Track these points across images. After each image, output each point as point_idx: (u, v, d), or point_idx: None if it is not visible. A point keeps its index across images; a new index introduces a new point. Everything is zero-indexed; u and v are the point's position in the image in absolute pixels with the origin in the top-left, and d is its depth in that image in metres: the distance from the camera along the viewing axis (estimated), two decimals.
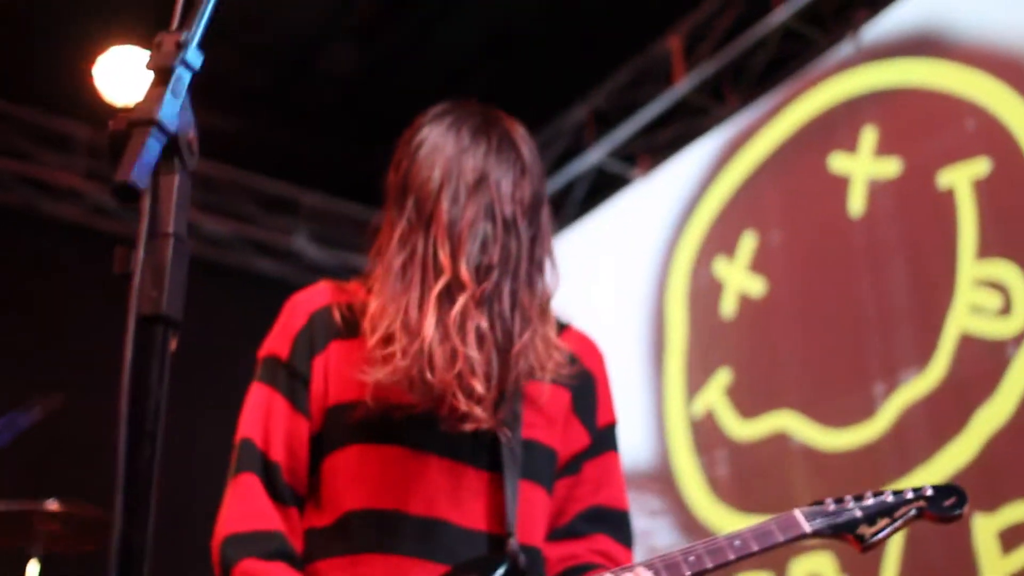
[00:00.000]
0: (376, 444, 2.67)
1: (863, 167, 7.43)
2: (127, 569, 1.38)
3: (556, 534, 2.81)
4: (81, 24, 8.53)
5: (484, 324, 2.64)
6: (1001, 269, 6.57)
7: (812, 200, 7.80)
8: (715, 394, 8.03)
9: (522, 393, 2.72)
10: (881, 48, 7.60)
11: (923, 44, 7.33)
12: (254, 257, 10.73)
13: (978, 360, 6.55)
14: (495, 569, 2.58)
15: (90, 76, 8.55)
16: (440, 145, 2.76)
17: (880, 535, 2.58)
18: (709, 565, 2.51)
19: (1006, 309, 6.49)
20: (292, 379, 2.74)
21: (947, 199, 6.89)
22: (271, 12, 8.74)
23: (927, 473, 6.48)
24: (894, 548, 6.64)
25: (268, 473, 2.70)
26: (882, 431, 6.92)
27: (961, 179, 6.85)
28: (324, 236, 10.76)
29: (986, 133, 6.82)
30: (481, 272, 2.67)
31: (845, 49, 7.83)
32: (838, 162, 7.61)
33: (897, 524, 2.59)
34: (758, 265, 8.00)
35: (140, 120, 1.51)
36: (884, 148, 7.36)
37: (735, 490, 7.75)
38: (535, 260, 2.75)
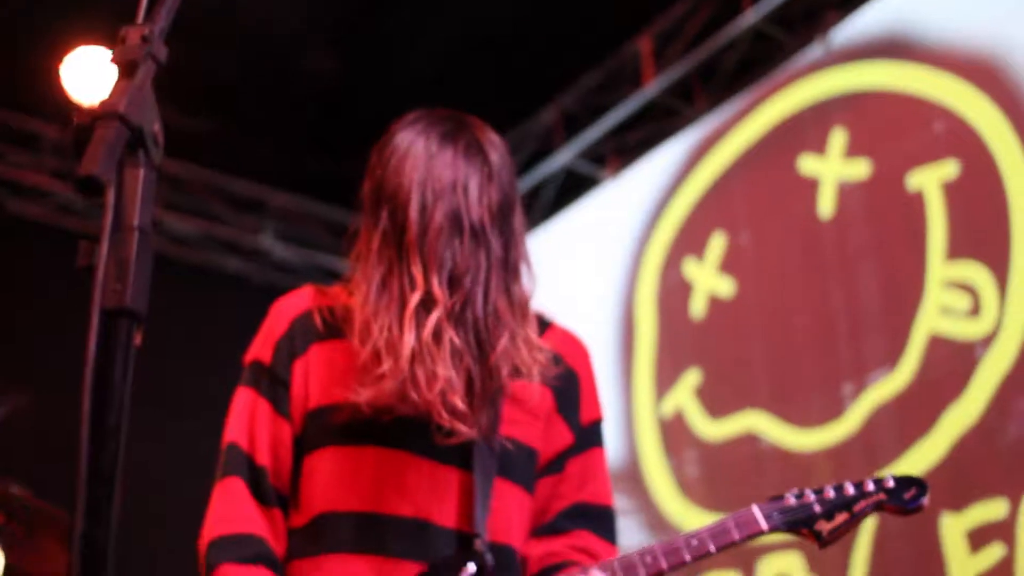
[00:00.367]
0: (351, 446, 2.69)
1: (832, 169, 7.45)
2: (90, 567, 1.36)
3: (539, 531, 2.81)
4: (48, 23, 8.48)
5: (458, 340, 2.64)
6: (970, 270, 6.59)
7: (781, 202, 7.80)
8: (684, 394, 8.03)
9: (505, 391, 2.72)
10: (850, 50, 7.61)
11: (892, 47, 7.35)
12: (222, 256, 10.69)
13: (947, 361, 6.57)
14: (460, 570, 2.58)
15: (57, 75, 8.48)
16: (410, 153, 2.76)
17: (837, 531, 2.57)
18: (664, 566, 2.52)
19: (975, 310, 6.51)
20: (274, 384, 2.78)
21: (916, 201, 6.91)
22: (242, 10, 8.70)
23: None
24: (863, 547, 6.66)
25: (254, 476, 2.73)
26: (851, 431, 6.93)
27: (930, 181, 6.87)
28: (292, 235, 10.73)
29: (954, 135, 6.84)
30: (453, 284, 2.67)
31: (814, 51, 7.85)
32: (807, 164, 7.62)
33: (855, 519, 2.57)
34: (727, 266, 8.01)
35: (104, 113, 1.49)
36: (853, 150, 7.38)
37: (704, 490, 7.75)
38: (509, 265, 2.75)
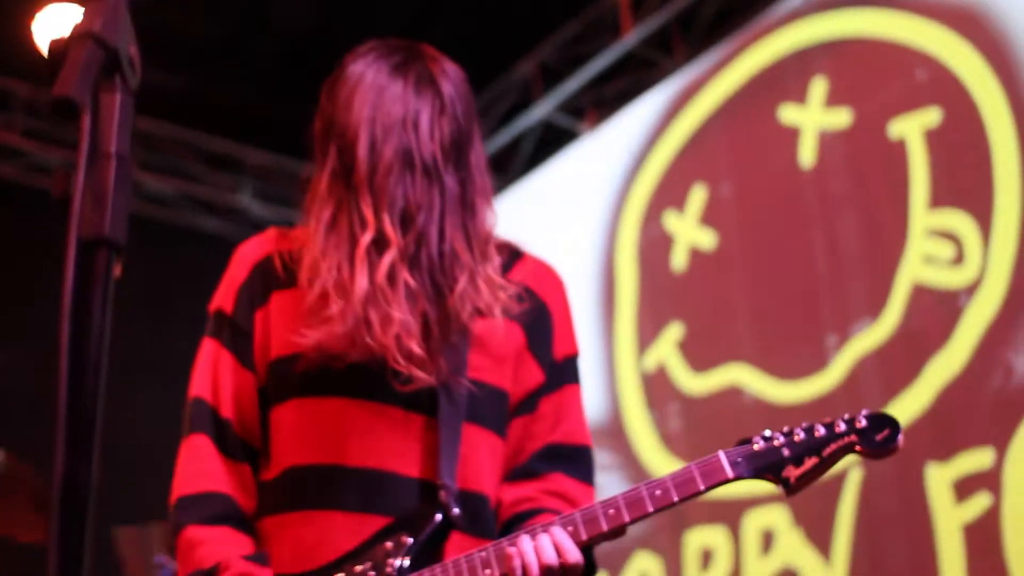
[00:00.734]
0: (314, 397, 2.62)
1: (813, 118, 7.39)
2: (71, 505, 1.30)
3: (512, 475, 2.72)
4: None
5: (413, 282, 2.56)
6: (953, 219, 6.55)
7: (762, 152, 7.75)
8: (666, 348, 7.99)
9: (470, 333, 2.63)
10: None
11: None
12: (199, 215, 10.60)
13: (930, 310, 6.54)
14: (425, 525, 2.52)
15: (29, 32, 8.37)
16: (359, 88, 2.67)
17: (805, 477, 2.43)
18: (627, 519, 2.42)
19: (959, 259, 6.47)
20: (236, 334, 2.70)
21: (898, 149, 6.86)
22: None
23: None
24: (848, 499, 6.63)
25: (219, 431, 2.67)
26: (835, 383, 6.90)
27: (912, 129, 6.82)
28: (269, 193, 10.64)
29: (937, 83, 6.78)
30: (406, 223, 2.59)
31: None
32: (788, 113, 7.56)
33: (825, 463, 2.43)
34: (708, 218, 7.95)
35: (80, 33, 1.42)
36: (834, 99, 7.32)
37: (687, 443, 7.72)
38: (466, 200, 2.66)
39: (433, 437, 2.58)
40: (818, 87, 7.40)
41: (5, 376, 8.38)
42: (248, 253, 2.79)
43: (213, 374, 2.69)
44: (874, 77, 7.17)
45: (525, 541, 2.42)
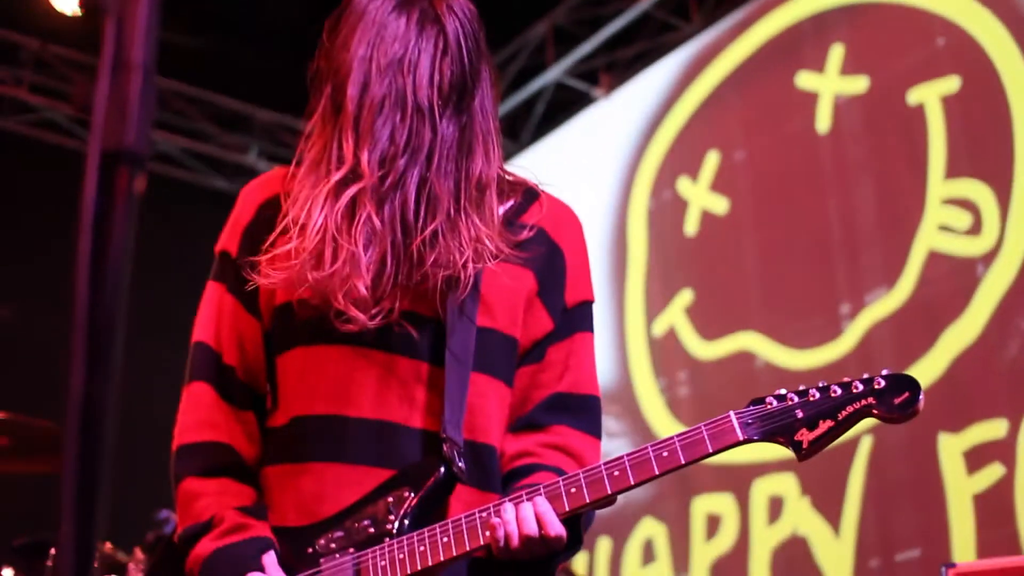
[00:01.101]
0: (319, 345, 2.52)
1: (830, 84, 7.32)
2: (88, 424, 1.24)
3: (516, 425, 2.61)
4: None
5: (377, 219, 2.44)
6: (971, 188, 6.49)
7: (777, 118, 7.68)
8: (676, 314, 7.94)
9: (477, 279, 2.55)
10: None
11: None
12: (208, 174, 10.55)
13: (947, 279, 6.48)
14: (428, 480, 2.45)
15: None
16: (360, 25, 2.54)
17: (819, 442, 2.29)
18: (632, 481, 2.33)
19: (976, 228, 6.41)
20: (241, 278, 2.59)
21: (917, 116, 6.79)
22: None
23: None
24: (859, 468, 6.59)
25: (222, 377, 2.59)
26: (847, 351, 6.85)
27: (931, 96, 6.75)
28: (278, 154, 10.58)
29: (958, 50, 6.71)
30: (386, 162, 2.46)
31: None
32: (804, 80, 7.49)
33: (840, 427, 2.29)
34: (722, 184, 7.89)
35: None
36: (852, 66, 7.25)
37: (696, 410, 7.67)
38: (464, 144, 2.53)
39: (439, 386, 2.50)
40: (836, 54, 7.33)
41: (12, 330, 8.33)
42: (254, 193, 2.68)
43: (217, 319, 2.60)
44: (893, 43, 7.10)
45: (507, 510, 2.37)
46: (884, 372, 2.34)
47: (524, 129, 9.74)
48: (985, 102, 6.53)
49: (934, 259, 6.55)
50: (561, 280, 2.67)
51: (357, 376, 2.50)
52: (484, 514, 2.38)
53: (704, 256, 7.97)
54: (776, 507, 7.01)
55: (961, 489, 6.12)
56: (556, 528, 2.35)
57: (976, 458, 6.10)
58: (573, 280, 2.69)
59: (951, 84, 6.67)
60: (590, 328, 2.72)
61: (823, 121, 7.30)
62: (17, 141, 9.72)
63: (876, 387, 2.31)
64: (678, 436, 2.33)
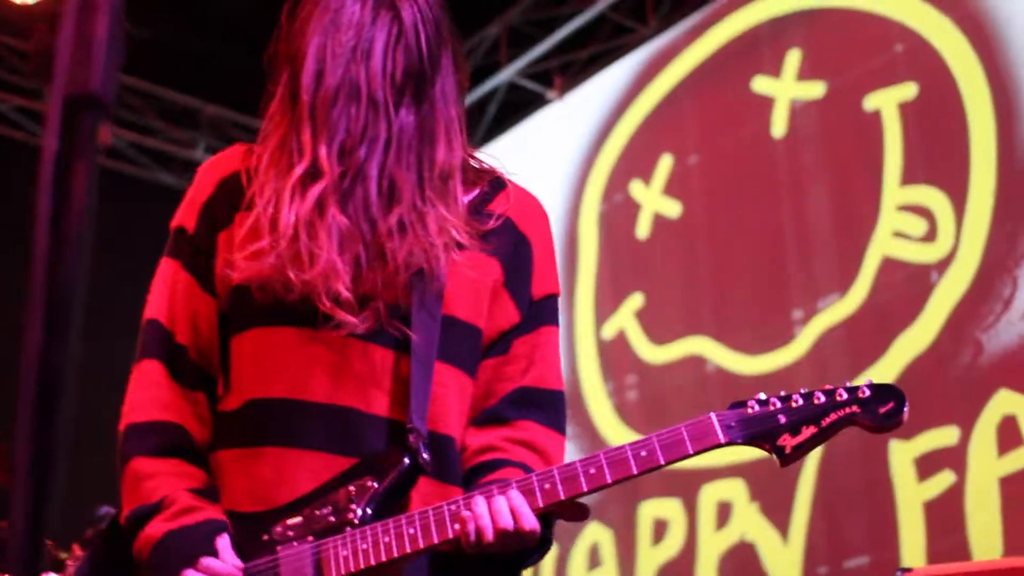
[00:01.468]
0: (277, 327, 2.44)
1: (787, 90, 7.30)
2: (46, 388, 1.16)
3: (480, 419, 2.55)
4: None
5: (343, 218, 2.39)
6: (926, 195, 6.48)
7: (732, 122, 7.65)
8: (627, 318, 7.89)
9: (439, 268, 2.48)
10: None
11: None
12: (154, 169, 10.42)
13: (900, 286, 6.47)
14: (392, 470, 2.37)
15: None
16: (317, 8, 2.49)
17: (802, 448, 2.26)
18: (609, 480, 2.28)
19: (931, 235, 6.40)
20: (197, 254, 2.52)
21: (873, 122, 6.78)
22: None
23: None
24: (809, 474, 6.57)
25: (173, 357, 2.51)
26: (800, 355, 6.82)
27: (888, 102, 6.73)
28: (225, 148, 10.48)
29: (916, 57, 6.70)
30: (345, 156, 2.42)
31: None
32: (761, 84, 7.46)
33: (824, 433, 2.26)
34: (675, 188, 7.85)
35: None
36: (809, 71, 7.23)
37: (645, 415, 7.62)
38: (424, 133, 2.47)
39: (404, 375, 2.43)
40: (793, 58, 7.31)
41: None
42: (213, 169, 2.60)
43: (170, 296, 2.52)
44: (851, 49, 7.09)
45: (479, 503, 2.30)
46: (868, 382, 2.30)
47: (477, 129, 9.67)
48: (942, 109, 6.53)
49: (888, 265, 6.54)
50: (528, 272, 2.62)
51: (318, 360, 2.43)
52: (453, 507, 2.32)
53: (656, 260, 7.93)
54: (724, 513, 6.98)
55: (912, 496, 6.10)
56: (530, 522, 2.29)
57: (927, 465, 6.09)
58: (540, 272, 2.64)
59: (908, 91, 6.66)
60: (556, 322, 2.68)
61: (779, 126, 7.28)
62: None
63: (861, 396, 2.28)
64: (657, 436, 2.29)
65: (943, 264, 6.30)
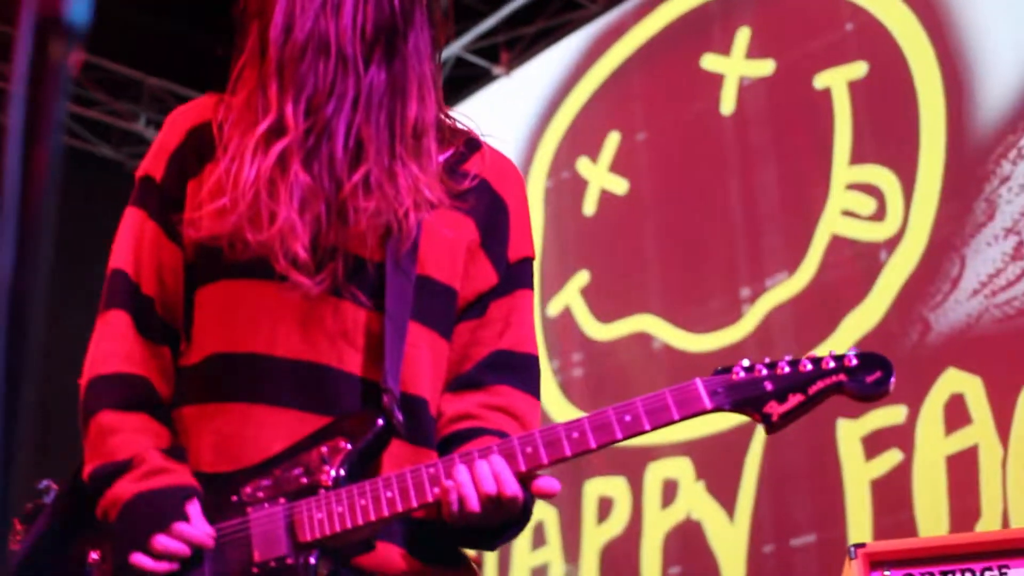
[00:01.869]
0: (246, 280, 2.38)
1: (736, 67, 7.28)
2: (16, 318, 1.10)
3: (456, 384, 2.50)
4: None
5: (306, 176, 2.34)
6: (876, 173, 6.48)
7: (681, 99, 7.63)
8: (572, 295, 7.85)
9: (409, 226, 2.42)
10: None
11: None
12: (94, 141, 10.28)
13: (849, 264, 6.47)
14: (366, 431, 2.31)
15: None
16: None
17: (789, 416, 2.22)
18: (593, 444, 2.23)
19: (879, 214, 6.40)
20: (164, 204, 2.46)
21: (823, 100, 6.77)
22: None
23: None
24: (755, 453, 6.56)
25: (139, 308, 2.44)
26: (747, 333, 6.81)
27: (838, 81, 6.73)
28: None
29: (865, 36, 6.70)
30: (312, 111, 2.37)
31: None
32: (710, 62, 7.44)
33: (811, 401, 2.23)
34: (622, 165, 7.82)
35: None
36: (758, 49, 7.21)
37: (590, 392, 7.59)
38: (395, 90, 2.41)
39: (377, 334, 2.38)
40: (742, 36, 7.29)
41: None
42: (182, 118, 2.53)
43: (136, 246, 2.46)
44: (801, 28, 7.08)
45: (461, 471, 2.24)
46: (854, 350, 2.30)
47: None
48: (892, 88, 6.53)
49: (837, 244, 6.53)
50: (504, 234, 2.57)
51: (288, 316, 2.37)
52: (431, 469, 2.26)
53: (602, 237, 7.89)
54: (670, 491, 6.96)
55: (858, 474, 6.11)
56: (512, 487, 2.23)
57: (874, 444, 6.10)
58: (516, 235, 2.59)
59: (858, 69, 6.66)
60: (531, 286, 2.63)
61: (727, 104, 7.26)
62: None
63: (848, 365, 2.27)
64: (641, 400, 2.24)
65: (891, 243, 6.31)
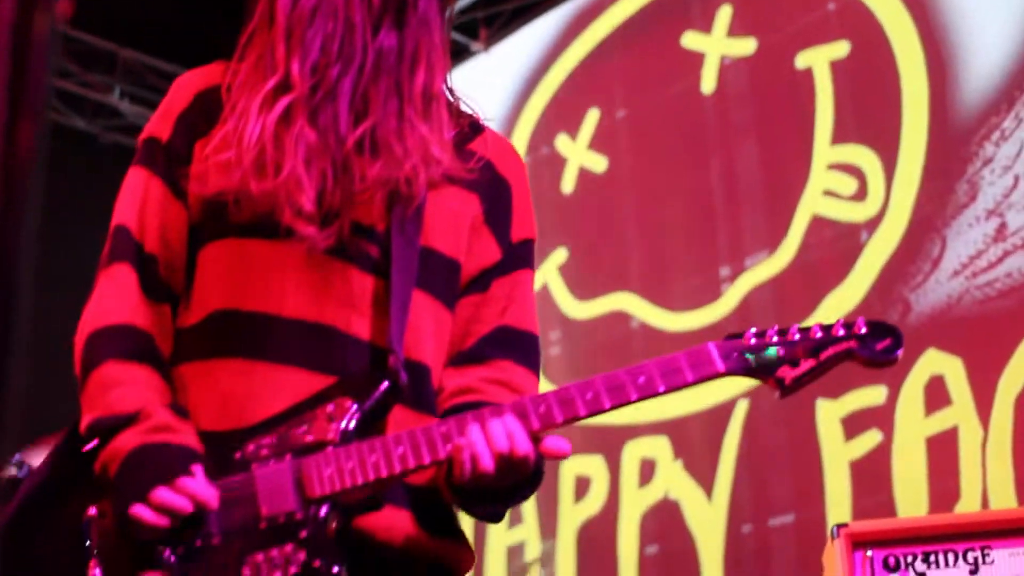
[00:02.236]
0: (253, 239, 2.37)
1: (717, 46, 7.24)
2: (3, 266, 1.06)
3: (459, 358, 2.51)
4: None
5: (311, 132, 2.35)
6: (857, 153, 6.47)
7: (661, 77, 7.59)
8: (550, 273, 7.82)
9: (421, 195, 2.41)
10: None
11: None
12: (67, 114, 10.18)
13: (830, 244, 6.46)
14: (372, 390, 2.29)
15: None
16: None
17: (802, 380, 2.24)
18: (607, 405, 2.23)
19: (860, 194, 6.39)
20: (171, 162, 2.45)
21: (805, 80, 6.74)
22: None
23: None
24: (733, 432, 6.54)
25: (143, 265, 2.42)
26: (726, 313, 6.79)
27: (819, 60, 6.70)
28: (142, 95, 10.23)
29: (848, 15, 6.68)
30: (318, 70, 2.38)
31: None
32: (691, 40, 7.40)
33: (822, 367, 2.25)
34: (601, 143, 7.78)
35: None
36: (740, 28, 7.18)
37: (568, 370, 7.56)
38: (404, 57, 2.41)
39: (382, 299, 2.38)
40: (724, 14, 7.26)
41: None
42: (191, 82, 2.54)
43: (141, 204, 2.44)
44: (783, 6, 7.06)
45: (474, 430, 2.21)
46: (863, 319, 2.30)
47: None
48: (874, 68, 6.51)
49: (817, 224, 6.51)
50: (508, 213, 2.60)
51: (295, 277, 2.37)
52: (443, 428, 2.25)
53: (581, 215, 7.86)
54: (648, 470, 6.94)
55: (838, 455, 6.10)
56: (525, 446, 2.22)
57: (854, 424, 6.09)
58: (519, 215, 2.62)
59: (840, 49, 6.63)
60: (532, 266, 2.67)
61: (708, 82, 7.22)
62: None
63: (857, 332, 2.27)
64: (654, 363, 2.25)
65: (872, 223, 6.29)
